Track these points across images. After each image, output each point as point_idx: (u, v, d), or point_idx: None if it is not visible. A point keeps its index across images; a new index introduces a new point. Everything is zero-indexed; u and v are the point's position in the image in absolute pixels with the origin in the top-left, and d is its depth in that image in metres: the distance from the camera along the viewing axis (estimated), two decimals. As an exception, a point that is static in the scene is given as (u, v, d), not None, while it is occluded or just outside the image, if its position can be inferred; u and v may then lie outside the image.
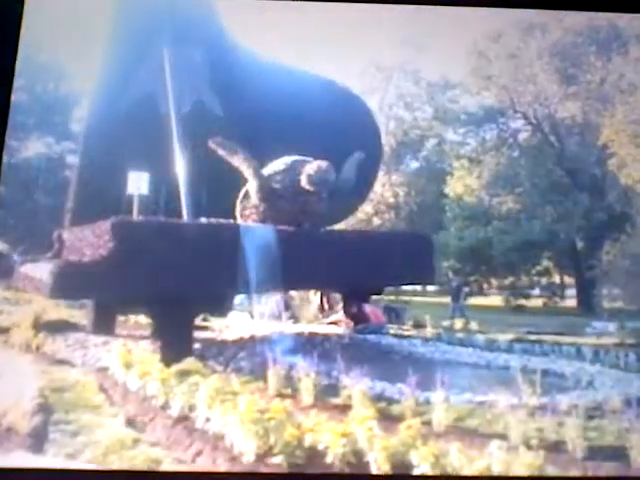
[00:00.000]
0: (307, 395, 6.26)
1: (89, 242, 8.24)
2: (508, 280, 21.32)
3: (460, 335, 10.77)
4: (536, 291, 20.22)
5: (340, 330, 11.03)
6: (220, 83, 12.68)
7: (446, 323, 11.91)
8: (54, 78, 18.85)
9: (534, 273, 20.78)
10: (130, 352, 7.32)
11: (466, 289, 12.58)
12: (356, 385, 6.05)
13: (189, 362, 6.92)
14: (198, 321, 9.65)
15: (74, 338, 9.18)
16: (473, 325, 11.67)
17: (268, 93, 12.92)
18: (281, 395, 6.29)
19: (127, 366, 6.90)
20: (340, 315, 11.61)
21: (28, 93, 16.93)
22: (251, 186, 9.93)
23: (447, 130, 25.48)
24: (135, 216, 9.86)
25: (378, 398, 6.16)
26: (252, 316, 10.84)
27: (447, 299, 14.83)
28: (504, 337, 10.27)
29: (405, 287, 14.26)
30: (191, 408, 5.61)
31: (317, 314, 12.40)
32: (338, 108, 13.97)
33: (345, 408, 5.78)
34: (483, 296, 20.60)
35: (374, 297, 12.02)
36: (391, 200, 24.30)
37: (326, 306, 12.54)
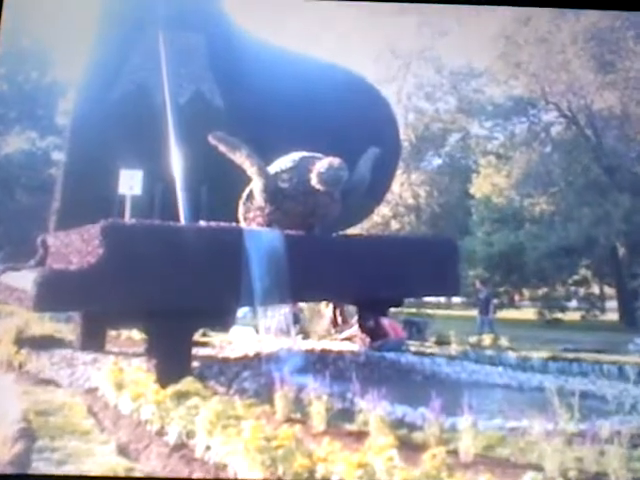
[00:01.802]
0: (319, 420, 6.22)
1: (76, 248, 8.24)
2: (542, 291, 21.25)
3: (489, 353, 10.72)
4: (573, 303, 20.16)
5: (355, 347, 11.01)
6: (221, 72, 12.69)
7: (473, 339, 11.86)
8: (38, 66, 18.94)
9: (571, 283, 20.72)
10: (122, 371, 7.30)
11: (495, 301, 12.35)
12: (373, 409, 6.01)
13: (187, 382, 6.89)
14: (197, 336, 9.65)
15: (60, 355, 9.21)
16: (503, 341, 11.61)
17: (274, 82, 12.93)
18: (290, 420, 6.25)
19: (119, 387, 6.88)
20: (355, 330, 11.59)
21: (9, 83, 17.02)
22: (255, 186, 9.91)
23: (472, 123, 25.50)
24: (127, 219, 9.86)
25: (398, 424, 6.12)
26: (257, 331, 10.82)
27: (474, 312, 14.78)
28: (538, 355, 10.21)
29: (427, 299, 14.15)
30: (189, 434, 5.58)
31: (329, 329, 12.38)
32: (351, 99, 13.96)
33: (361, 435, 5.74)
34: (514, 309, 20.55)
35: (393, 310, 12.00)
36: (411, 201, 24.29)
37: (339, 320, 12.52)
